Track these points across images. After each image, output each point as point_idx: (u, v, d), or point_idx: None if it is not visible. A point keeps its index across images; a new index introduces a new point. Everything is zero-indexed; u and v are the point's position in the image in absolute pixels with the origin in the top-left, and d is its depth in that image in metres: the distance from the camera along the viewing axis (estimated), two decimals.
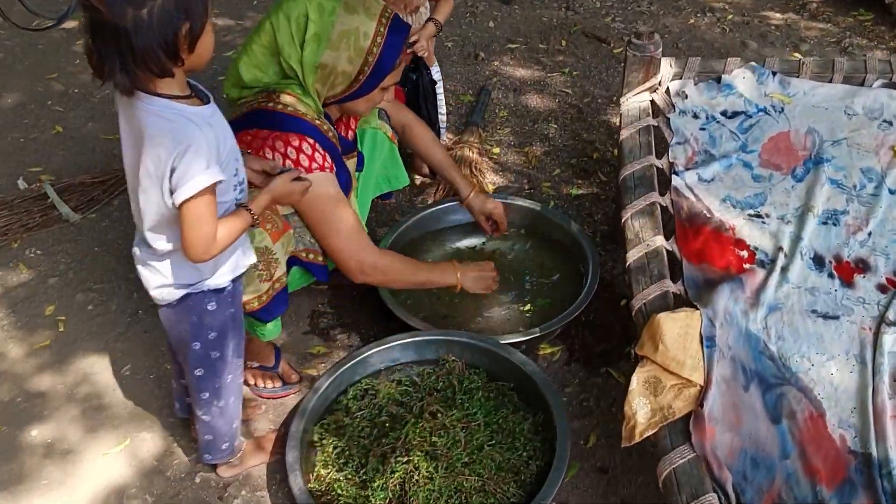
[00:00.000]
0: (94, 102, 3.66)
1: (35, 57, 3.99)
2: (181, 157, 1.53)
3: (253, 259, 1.90)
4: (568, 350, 2.46)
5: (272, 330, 2.16)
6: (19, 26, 2.75)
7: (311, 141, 2.06)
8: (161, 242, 1.70)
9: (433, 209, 2.75)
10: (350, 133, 2.39)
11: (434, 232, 2.75)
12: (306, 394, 2.13)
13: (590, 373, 2.39)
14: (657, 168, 2.19)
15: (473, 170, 3.11)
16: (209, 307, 1.81)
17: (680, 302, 1.84)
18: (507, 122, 3.48)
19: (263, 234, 2.01)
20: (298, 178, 1.92)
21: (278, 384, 2.35)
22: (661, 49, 2.34)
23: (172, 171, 1.55)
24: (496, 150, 3.31)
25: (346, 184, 2.20)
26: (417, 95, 2.83)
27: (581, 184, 3.12)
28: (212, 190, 1.60)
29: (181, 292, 1.78)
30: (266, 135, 2.05)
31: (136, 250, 1.77)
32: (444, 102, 3.05)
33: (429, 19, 2.79)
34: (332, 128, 2.20)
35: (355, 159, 2.40)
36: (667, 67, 2.43)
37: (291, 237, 2.12)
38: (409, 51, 2.73)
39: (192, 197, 1.56)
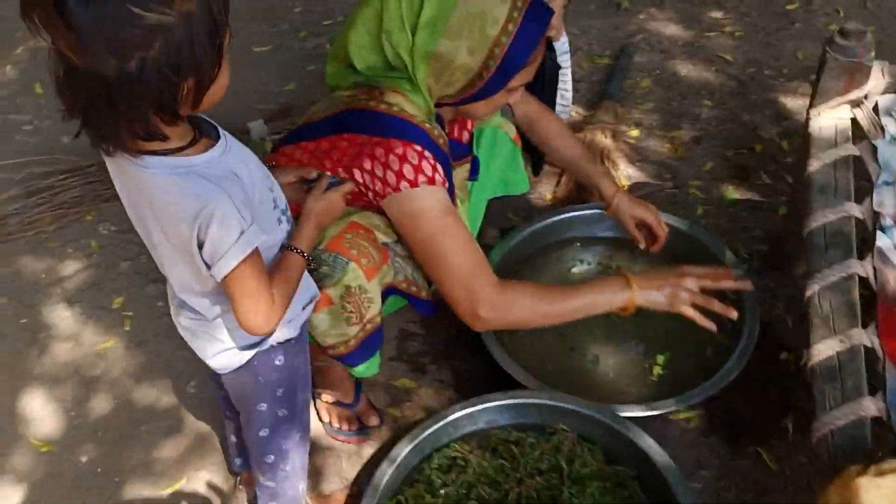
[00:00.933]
0: None
1: None
2: (206, 229, 1.19)
3: (315, 291, 1.57)
4: (707, 416, 1.99)
5: (364, 370, 1.81)
6: None
7: (419, 148, 1.65)
8: (209, 308, 1.39)
9: (554, 218, 2.29)
10: (466, 135, 1.96)
11: (553, 246, 2.30)
12: (382, 462, 1.77)
13: (734, 451, 1.93)
14: (856, 220, 1.65)
15: (605, 158, 2.60)
16: (276, 363, 1.50)
17: (884, 442, 1.34)
18: (649, 96, 2.92)
19: (357, 272, 1.64)
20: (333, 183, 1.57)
21: (355, 426, 2.01)
22: (872, 52, 1.74)
23: (201, 244, 1.21)
24: (634, 132, 2.77)
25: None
26: (534, 80, 2.31)
27: (738, 185, 2.56)
28: (258, 256, 1.27)
29: (246, 355, 1.46)
30: (364, 140, 1.66)
31: (178, 318, 1.46)
32: (570, 80, 2.52)
33: None
34: (444, 133, 1.77)
35: (468, 165, 1.97)
36: (878, 76, 1.82)
37: (390, 267, 1.75)
38: None
39: (237, 266, 1.23)
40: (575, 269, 2.27)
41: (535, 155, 2.51)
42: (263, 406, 1.55)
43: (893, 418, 1.37)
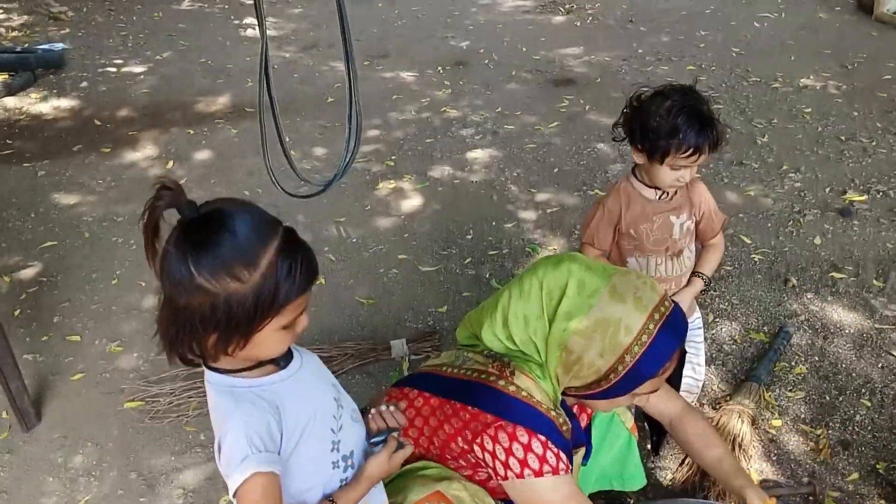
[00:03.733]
0: (364, 257, 3.61)
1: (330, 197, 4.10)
2: (223, 442, 1.32)
3: None
4: None
5: None
6: (288, 192, 2.75)
7: (543, 439, 1.67)
8: None
9: None
10: (585, 419, 1.94)
11: None
12: None
13: None
14: None
15: (736, 447, 2.44)
16: None
17: None
18: (801, 385, 2.74)
19: None
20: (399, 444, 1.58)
21: None
22: None
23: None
24: (777, 422, 2.59)
25: None
26: None
27: None
28: (265, 482, 1.31)
29: None
30: (489, 421, 1.69)
31: None
32: (703, 357, 2.44)
33: (694, 273, 2.25)
34: (568, 420, 1.77)
35: (583, 451, 1.94)
36: None
37: None
38: None
39: (239, 489, 1.31)
40: None
41: (656, 432, 2.42)
42: None
43: None
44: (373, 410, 1.63)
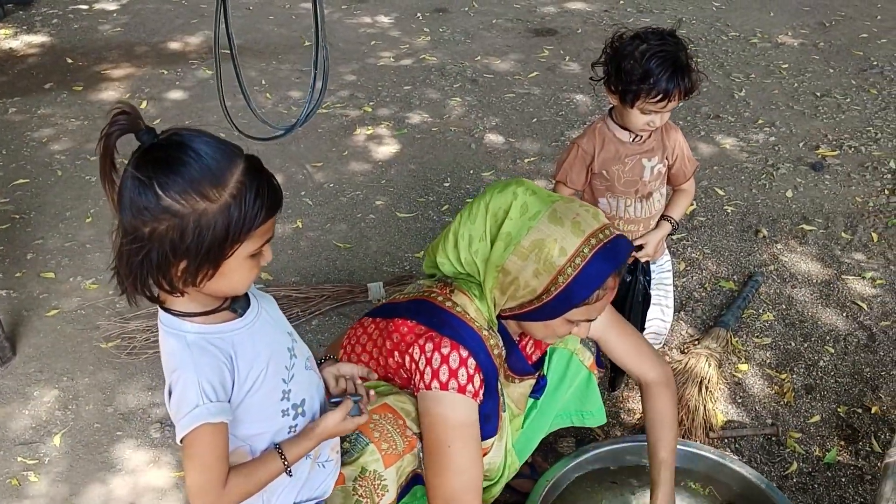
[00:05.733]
0: (342, 202, 3.61)
1: (308, 142, 4.08)
2: (174, 388, 1.30)
3: (321, 492, 1.59)
4: None
5: None
6: (246, 135, 2.74)
7: (464, 354, 1.70)
8: None
9: (628, 443, 2.22)
10: (537, 353, 1.97)
11: (619, 472, 2.21)
12: None
13: None
14: None
15: (702, 390, 2.51)
16: None
17: None
18: (768, 331, 2.81)
19: (375, 455, 1.67)
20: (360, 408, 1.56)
21: None
22: None
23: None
24: (743, 366, 2.66)
25: (489, 411, 1.79)
26: (624, 302, 2.30)
27: (844, 448, 2.37)
28: (214, 431, 1.32)
29: None
30: (422, 332, 1.74)
31: None
32: (672, 299, 2.49)
33: (663, 217, 2.28)
34: (501, 344, 1.81)
35: (532, 381, 1.98)
36: None
37: (415, 457, 1.76)
38: (632, 256, 2.24)
39: (187, 436, 1.31)
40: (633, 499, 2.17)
41: (613, 369, 2.48)
42: None
43: None
44: (340, 371, 1.62)
